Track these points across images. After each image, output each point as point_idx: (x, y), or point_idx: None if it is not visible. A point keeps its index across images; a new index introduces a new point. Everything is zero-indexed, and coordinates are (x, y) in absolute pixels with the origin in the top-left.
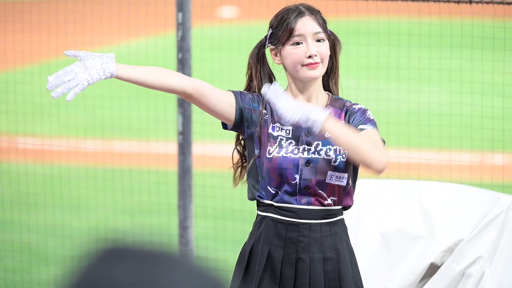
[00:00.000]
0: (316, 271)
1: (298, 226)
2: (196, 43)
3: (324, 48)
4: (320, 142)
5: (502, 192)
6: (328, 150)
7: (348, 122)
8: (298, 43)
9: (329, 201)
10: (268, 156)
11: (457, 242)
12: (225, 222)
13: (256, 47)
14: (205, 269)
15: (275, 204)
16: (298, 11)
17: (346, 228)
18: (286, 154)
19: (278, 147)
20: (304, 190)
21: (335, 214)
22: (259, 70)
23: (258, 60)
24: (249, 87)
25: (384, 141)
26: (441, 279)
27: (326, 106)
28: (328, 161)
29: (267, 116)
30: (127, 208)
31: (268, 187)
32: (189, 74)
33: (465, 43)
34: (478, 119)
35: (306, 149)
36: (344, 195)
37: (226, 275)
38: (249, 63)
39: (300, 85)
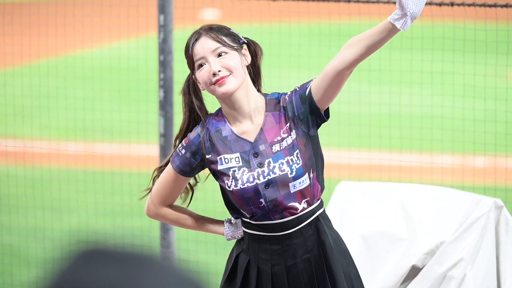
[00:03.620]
0: (307, 270)
1: (280, 237)
2: (178, 45)
3: (228, 60)
4: (271, 159)
5: (484, 195)
6: (281, 165)
7: (295, 111)
8: (201, 65)
9: (301, 207)
10: (228, 189)
11: (438, 244)
12: None
13: (185, 80)
14: (186, 271)
15: (253, 222)
16: (195, 35)
17: (328, 220)
18: (243, 185)
19: (233, 179)
20: (274, 209)
21: (312, 213)
22: (192, 104)
23: (189, 92)
24: (188, 122)
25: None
26: (423, 281)
27: (265, 112)
28: (285, 175)
29: (209, 155)
30: (109, 210)
31: (242, 210)
32: (170, 76)
33: (447, 45)
34: (460, 122)
35: (260, 172)
36: (313, 190)
37: (207, 277)
38: (182, 99)
39: (227, 102)
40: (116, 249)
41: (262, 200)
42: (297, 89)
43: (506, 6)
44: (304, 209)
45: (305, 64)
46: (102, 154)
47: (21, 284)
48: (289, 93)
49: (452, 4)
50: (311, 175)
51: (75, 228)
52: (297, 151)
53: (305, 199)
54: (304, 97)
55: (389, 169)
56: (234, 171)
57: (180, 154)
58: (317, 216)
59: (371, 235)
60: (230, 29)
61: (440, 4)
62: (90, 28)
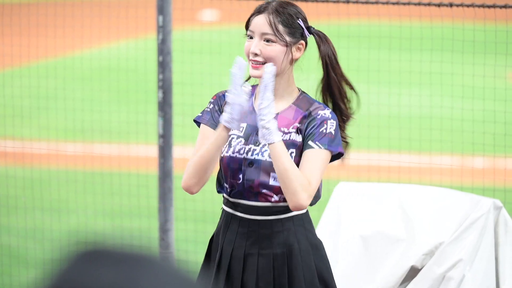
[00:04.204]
0: (264, 267)
1: (248, 221)
2: (176, 46)
3: (270, 50)
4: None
5: (483, 195)
6: None
7: (306, 128)
8: (250, 37)
9: (276, 198)
10: (220, 155)
11: (437, 245)
12: (205, 225)
13: None
14: (186, 272)
15: (230, 199)
16: (262, 6)
17: (308, 223)
18: (233, 153)
19: (227, 146)
20: (249, 189)
21: (286, 211)
22: None
23: None
24: None
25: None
26: (421, 282)
27: (291, 103)
28: (271, 163)
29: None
30: (108, 211)
31: (225, 183)
32: (169, 77)
33: (446, 46)
34: (459, 122)
35: (251, 149)
36: None
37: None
38: None
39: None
40: (115, 249)
41: (240, 176)
42: (324, 133)
43: (505, 6)
44: (279, 201)
45: (305, 65)
46: (101, 155)
47: (20, 285)
48: (321, 115)
49: (451, 5)
50: None
51: (74, 229)
52: (293, 150)
53: (282, 195)
54: (307, 140)
55: (388, 169)
56: (232, 138)
57: (208, 109)
58: (291, 216)
59: (370, 236)
60: (298, 18)
61: (439, 5)
62: (89, 29)
